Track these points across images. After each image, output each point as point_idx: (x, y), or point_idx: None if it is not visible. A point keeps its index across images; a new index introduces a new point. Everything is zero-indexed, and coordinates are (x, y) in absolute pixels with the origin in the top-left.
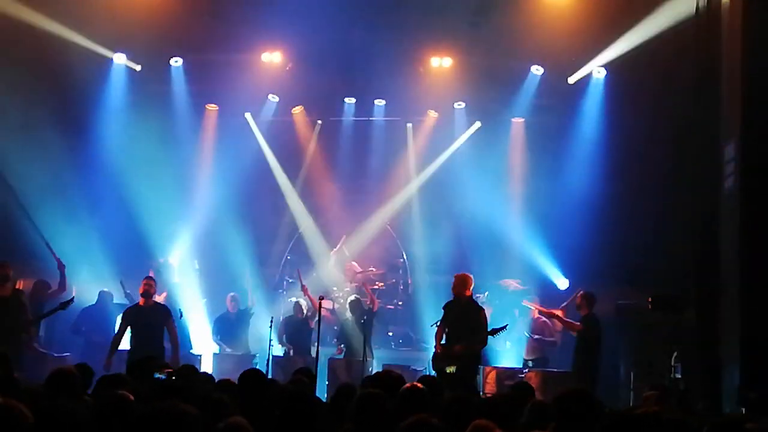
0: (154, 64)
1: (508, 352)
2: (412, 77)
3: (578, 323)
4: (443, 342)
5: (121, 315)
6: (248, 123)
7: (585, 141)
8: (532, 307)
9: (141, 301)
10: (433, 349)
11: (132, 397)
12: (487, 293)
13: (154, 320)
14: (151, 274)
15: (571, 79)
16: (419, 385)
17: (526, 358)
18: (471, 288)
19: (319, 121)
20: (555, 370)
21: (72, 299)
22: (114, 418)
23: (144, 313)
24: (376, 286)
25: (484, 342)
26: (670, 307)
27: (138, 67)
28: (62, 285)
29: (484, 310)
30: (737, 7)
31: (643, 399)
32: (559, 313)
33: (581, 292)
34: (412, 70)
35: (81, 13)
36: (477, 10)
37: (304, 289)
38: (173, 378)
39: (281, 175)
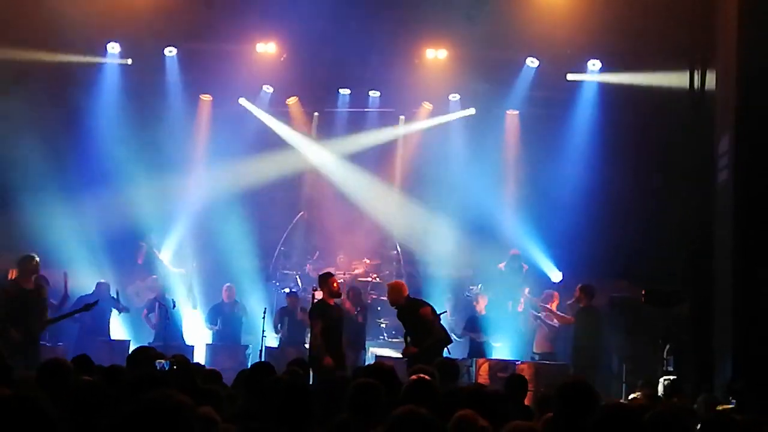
0: (148, 53)
1: (502, 344)
2: (407, 69)
3: (570, 316)
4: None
5: (314, 313)
6: (245, 109)
7: (580, 134)
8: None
9: (331, 301)
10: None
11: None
12: (480, 285)
13: (341, 319)
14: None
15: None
16: (426, 377)
17: (536, 351)
18: (405, 291)
19: (316, 114)
20: (547, 362)
21: (96, 302)
22: (88, 405)
23: (336, 312)
24: (370, 278)
25: (438, 335)
26: (664, 300)
27: (129, 61)
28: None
29: (425, 306)
30: (733, 3)
31: (635, 392)
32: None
33: (579, 286)
34: (408, 62)
35: (75, 2)
36: (473, 2)
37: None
38: (174, 367)
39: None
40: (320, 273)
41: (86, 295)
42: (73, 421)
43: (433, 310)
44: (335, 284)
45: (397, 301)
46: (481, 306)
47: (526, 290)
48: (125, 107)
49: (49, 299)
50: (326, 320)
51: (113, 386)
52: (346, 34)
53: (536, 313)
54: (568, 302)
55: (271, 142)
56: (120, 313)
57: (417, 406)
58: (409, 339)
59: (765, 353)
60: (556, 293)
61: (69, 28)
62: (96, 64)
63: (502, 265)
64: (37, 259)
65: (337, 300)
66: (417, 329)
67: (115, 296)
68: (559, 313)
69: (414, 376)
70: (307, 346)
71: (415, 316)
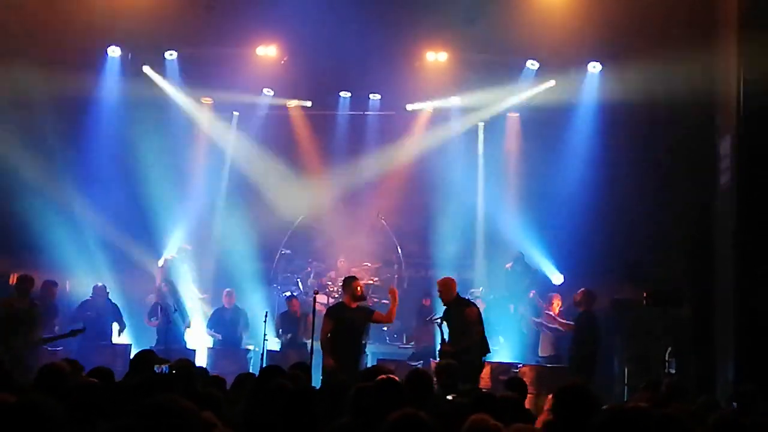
0: (148, 56)
1: (501, 347)
2: (408, 71)
3: (570, 323)
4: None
5: (328, 313)
6: (246, 112)
7: (580, 136)
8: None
9: (353, 304)
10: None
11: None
12: (481, 288)
13: (362, 321)
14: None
15: None
16: (394, 377)
17: (541, 355)
18: (455, 289)
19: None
20: (549, 365)
21: (83, 328)
22: (90, 412)
23: (356, 315)
24: (370, 281)
25: (474, 337)
26: (666, 302)
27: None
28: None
29: (472, 306)
30: (733, 3)
31: (637, 394)
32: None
33: (582, 290)
34: (408, 65)
35: (77, 5)
36: (472, 5)
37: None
38: (173, 372)
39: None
40: (345, 276)
41: (86, 300)
42: (73, 420)
43: (479, 313)
44: (358, 288)
45: (448, 297)
46: (475, 310)
47: (532, 293)
48: (125, 110)
49: (55, 303)
50: (337, 322)
51: (109, 387)
52: (346, 37)
53: (537, 320)
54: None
55: (272, 145)
56: (120, 329)
57: (414, 409)
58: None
59: (767, 354)
60: (556, 295)
61: (70, 32)
62: (96, 67)
63: (509, 266)
64: (33, 278)
65: (361, 303)
66: (458, 328)
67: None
68: (561, 319)
69: (382, 376)
70: (308, 349)
71: (461, 315)
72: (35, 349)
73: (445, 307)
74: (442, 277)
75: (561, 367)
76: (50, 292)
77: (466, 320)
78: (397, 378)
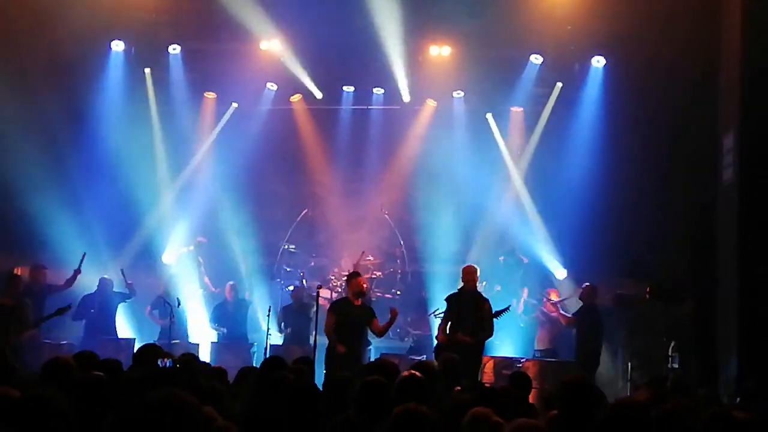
0: (152, 51)
1: (504, 341)
2: (412, 66)
3: (570, 316)
4: (448, 332)
5: (330, 307)
6: (249, 106)
7: (584, 131)
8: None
9: (357, 302)
10: (435, 340)
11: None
12: (485, 283)
13: (363, 319)
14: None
15: None
16: (417, 373)
17: (537, 348)
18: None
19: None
20: (552, 359)
21: (69, 306)
22: (96, 406)
23: (356, 311)
24: (373, 276)
25: (491, 332)
26: (668, 297)
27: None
28: (69, 282)
29: (488, 301)
30: (737, 1)
31: (640, 389)
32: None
33: (588, 284)
34: (411, 59)
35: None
36: None
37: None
38: (177, 366)
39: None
40: (348, 273)
41: (90, 293)
42: (78, 413)
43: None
44: (358, 285)
45: (472, 285)
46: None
47: (525, 292)
48: (129, 105)
49: (53, 285)
50: (340, 317)
51: (115, 380)
52: (350, 31)
53: (540, 316)
54: (573, 295)
55: (275, 140)
56: (130, 298)
57: (416, 404)
58: (454, 325)
59: None
60: (552, 290)
61: (73, 26)
62: (100, 62)
63: (502, 258)
64: (20, 275)
65: (363, 299)
66: (478, 319)
67: (122, 276)
68: (563, 313)
69: (405, 373)
70: (311, 343)
71: (481, 307)
72: (33, 344)
73: (458, 294)
74: (467, 264)
75: (564, 361)
76: (40, 275)
77: (486, 314)
78: (419, 374)
